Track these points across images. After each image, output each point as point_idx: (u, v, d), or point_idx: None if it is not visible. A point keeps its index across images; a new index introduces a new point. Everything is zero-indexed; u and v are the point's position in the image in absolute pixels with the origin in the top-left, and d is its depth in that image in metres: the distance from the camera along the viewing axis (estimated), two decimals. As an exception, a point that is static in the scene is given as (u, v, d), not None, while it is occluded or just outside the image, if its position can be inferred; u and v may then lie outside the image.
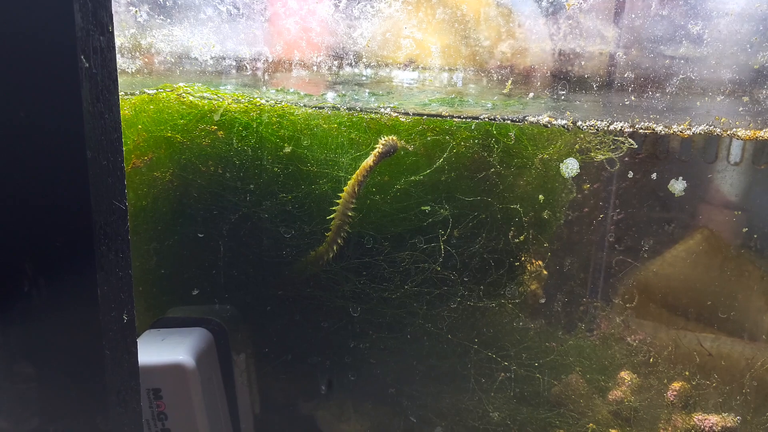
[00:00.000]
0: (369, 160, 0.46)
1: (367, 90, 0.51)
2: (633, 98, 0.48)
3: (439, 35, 0.52)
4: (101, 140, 0.38)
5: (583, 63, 0.51)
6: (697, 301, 0.61)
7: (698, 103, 0.46)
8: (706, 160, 0.58)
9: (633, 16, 0.51)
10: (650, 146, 0.56)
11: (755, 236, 0.59)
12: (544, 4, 0.52)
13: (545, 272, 0.59)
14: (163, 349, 0.50)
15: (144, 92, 0.50)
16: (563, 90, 0.50)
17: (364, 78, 0.50)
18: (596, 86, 0.49)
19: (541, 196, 0.49)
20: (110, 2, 0.38)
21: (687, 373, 0.53)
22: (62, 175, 0.38)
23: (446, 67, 0.51)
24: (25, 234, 0.39)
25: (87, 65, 0.36)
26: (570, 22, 0.52)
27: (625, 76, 0.49)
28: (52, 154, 0.37)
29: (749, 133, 0.44)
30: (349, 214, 0.48)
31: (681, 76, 0.46)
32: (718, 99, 0.47)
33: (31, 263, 0.40)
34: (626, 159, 0.54)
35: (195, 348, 0.51)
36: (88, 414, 0.41)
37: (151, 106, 0.50)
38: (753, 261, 0.60)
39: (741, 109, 0.47)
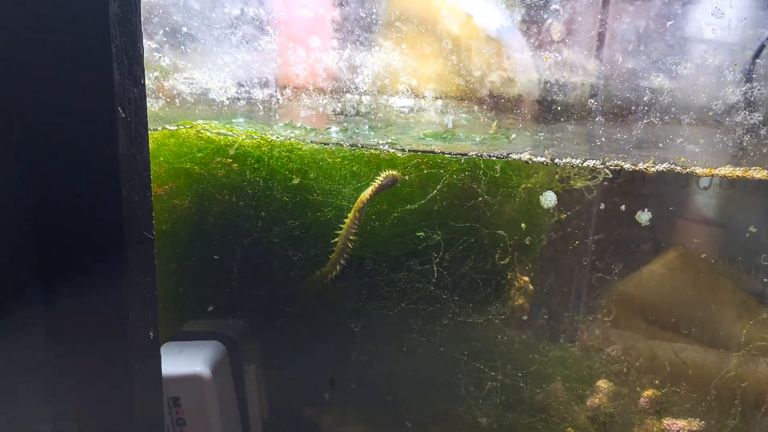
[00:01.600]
0: (369, 191, 0.51)
1: (367, 124, 0.56)
2: (609, 129, 0.54)
3: (434, 65, 0.58)
4: (134, 179, 0.43)
5: (566, 93, 0.57)
6: (672, 313, 0.65)
7: (672, 133, 0.52)
8: (679, 185, 0.63)
9: (613, 49, 0.56)
10: (628, 174, 0.61)
11: (726, 252, 0.64)
12: (532, 40, 0.57)
13: (531, 287, 0.64)
14: (181, 361, 0.55)
15: (165, 128, 0.55)
16: (547, 121, 0.55)
17: (363, 110, 0.55)
18: (578, 115, 0.55)
19: (523, 225, 0.54)
20: (143, 59, 0.43)
21: (657, 381, 0.58)
22: (102, 211, 0.42)
23: (441, 95, 0.57)
24: (70, 262, 0.43)
25: (123, 115, 0.41)
26: (555, 55, 0.57)
27: (605, 106, 0.54)
28: (94, 193, 0.42)
29: (706, 171, 0.49)
30: (351, 238, 0.53)
31: (657, 107, 0.51)
32: (692, 129, 0.52)
33: (66, 287, 0.44)
34: (605, 184, 0.59)
35: (210, 359, 0.56)
36: (119, 420, 0.46)
37: (172, 140, 0.55)
38: (724, 275, 0.65)
39: (716, 137, 0.52)
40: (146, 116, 0.44)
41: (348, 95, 0.54)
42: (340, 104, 0.54)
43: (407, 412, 0.59)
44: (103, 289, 0.43)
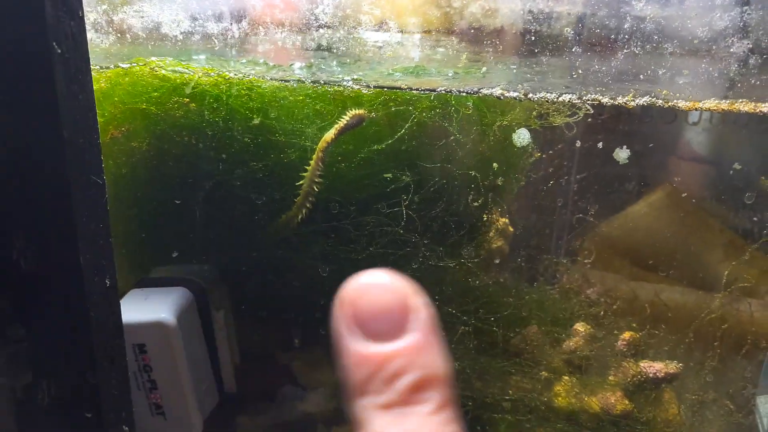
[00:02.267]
0: (333, 131, 0.49)
1: (334, 60, 0.53)
2: (588, 61, 0.51)
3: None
4: (76, 120, 0.41)
5: (551, 23, 0.53)
6: (657, 254, 0.64)
7: (654, 64, 0.49)
8: (665, 120, 0.60)
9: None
10: (611, 109, 0.58)
11: (714, 191, 0.62)
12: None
13: (511, 229, 0.62)
14: (146, 308, 0.54)
15: (118, 66, 0.52)
16: (526, 54, 0.52)
17: (325, 44, 0.52)
18: (562, 48, 0.51)
19: (495, 164, 0.52)
20: (80, -12, 0.40)
21: (635, 324, 0.57)
22: (42, 156, 0.40)
23: (417, 29, 0.53)
24: (13, 210, 0.42)
25: (59, 51, 0.38)
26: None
27: (591, 38, 0.51)
28: (32, 137, 0.40)
29: (689, 104, 0.46)
30: (317, 181, 0.51)
31: (638, 35, 0.48)
32: (676, 60, 0.49)
33: (19, 236, 0.43)
34: (589, 120, 0.56)
35: (176, 306, 0.54)
36: (77, 370, 0.45)
37: (126, 79, 0.52)
38: (712, 214, 0.63)
39: (701, 68, 0.49)
40: (87, 52, 0.41)
41: (311, 28, 0.51)
42: (300, 38, 0.50)
43: (378, 357, 0.58)
44: (50, 238, 0.41)
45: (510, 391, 0.57)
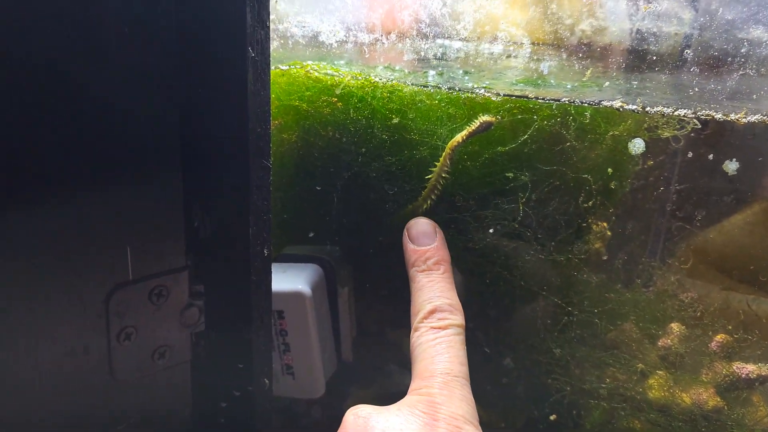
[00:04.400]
0: (463, 133, 0.55)
1: (461, 69, 0.60)
2: (702, 80, 0.55)
3: (522, 10, 0.60)
4: (258, 113, 0.48)
5: (658, 43, 0.58)
6: (750, 266, 0.67)
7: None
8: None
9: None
10: (716, 125, 0.62)
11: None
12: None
13: (609, 233, 0.66)
14: (285, 279, 0.62)
15: (278, 67, 0.60)
16: (637, 70, 0.57)
17: (459, 56, 0.58)
18: (671, 65, 0.56)
19: (609, 169, 0.57)
20: (269, 3, 0.48)
21: (730, 327, 0.61)
22: (229, 140, 0.48)
23: (533, 43, 0.59)
24: (195, 184, 0.49)
25: (253, 54, 0.46)
26: (655, 5, 0.58)
27: (698, 57, 0.56)
28: (223, 124, 0.48)
29: (797, 124, 0.50)
30: (443, 176, 0.57)
31: (753, 58, 0.52)
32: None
33: (200, 205, 0.51)
34: (692, 135, 0.60)
35: (310, 280, 0.62)
36: (238, 324, 0.53)
37: (283, 79, 0.60)
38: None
39: None
40: (269, 56, 0.49)
41: (447, 40, 0.57)
42: (438, 49, 0.57)
43: (485, 339, 0.64)
44: (231, 209, 0.49)
45: (607, 380, 0.61)
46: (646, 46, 0.58)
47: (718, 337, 0.62)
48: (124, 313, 0.46)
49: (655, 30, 0.59)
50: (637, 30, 0.59)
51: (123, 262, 0.45)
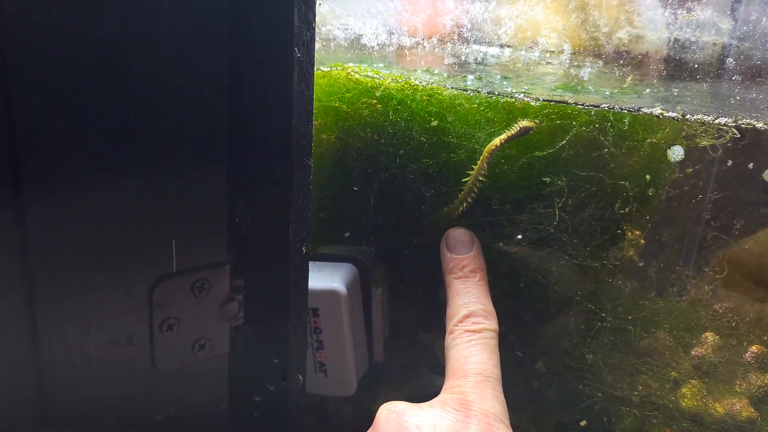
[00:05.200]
0: (502, 137, 0.55)
1: (499, 73, 0.60)
2: (743, 89, 0.55)
3: (562, 16, 0.60)
4: (301, 112, 0.49)
5: (696, 52, 0.58)
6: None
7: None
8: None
9: (750, 9, 0.57)
10: (754, 135, 0.62)
11: None
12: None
13: (643, 241, 0.66)
14: (321, 278, 0.62)
15: (319, 69, 0.61)
16: (678, 79, 0.57)
17: (498, 62, 0.59)
18: (711, 75, 0.56)
19: (648, 176, 0.57)
20: (315, 5, 0.49)
21: (765, 337, 0.60)
22: (273, 139, 0.49)
23: (571, 50, 0.59)
24: (238, 180, 0.51)
25: (299, 55, 0.47)
26: (696, 14, 0.58)
27: (739, 66, 0.56)
28: (268, 123, 0.49)
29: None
30: (480, 179, 0.58)
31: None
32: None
33: (242, 201, 0.52)
34: (729, 145, 0.60)
35: (345, 279, 0.63)
36: (275, 319, 0.54)
37: (324, 80, 0.62)
38: None
39: None
40: (314, 57, 0.50)
41: (485, 46, 0.58)
42: (478, 54, 0.58)
43: (518, 343, 0.65)
44: (273, 206, 0.50)
45: (639, 387, 0.61)
46: (684, 55, 0.58)
47: (753, 347, 0.61)
48: (167, 304, 0.47)
49: (693, 39, 0.59)
50: (675, 39, 0.59)
51: (168, 255, 0.46)
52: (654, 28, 0.60)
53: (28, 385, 0.42)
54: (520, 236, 0.60)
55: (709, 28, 0.59)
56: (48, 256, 0.40)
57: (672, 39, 0.59)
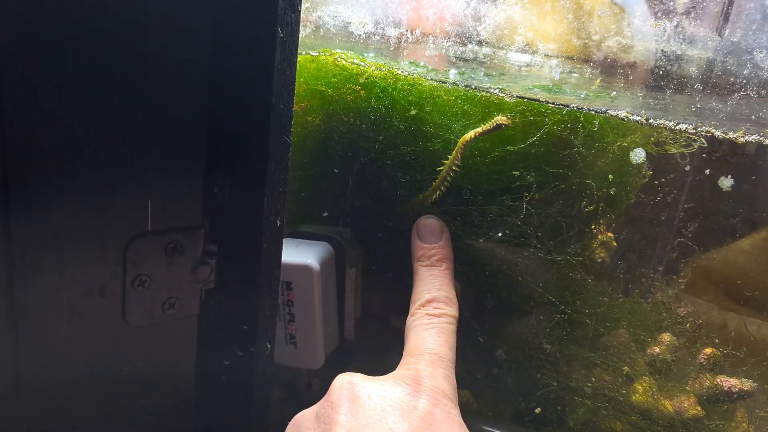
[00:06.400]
0: (477, 131, 0.58)
1: (483, 70, 0.63)
2: (718, 103, 0.57)
3: (554, 24, 0.63)
4: (282, 90, 0.52)
5: (681, 65, 0.60)
6: (750, 289, 0.68)
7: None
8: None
9: (736, 26, 0.59)
10: (727, 147, 0.64)
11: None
12: (655, 9, 0.61)
13: (615, 243, 0.69)
14: (297, 253, 0.65)
15: (308, 53, 0.64)
16: (652, 88, 0.59)
17: (482, 58, 0.61)
18: (686, 85, 0.58)
19: (610, 176, 0.59)
20: (302, -12, 0.51)
21: (716, 340, 0.62)
22: (252, 114, 0.52)
23: (558, 55, 0.62)
24: (218, 152, 0.53)
25: (282, 35, 0.50)
26: (676, 27, 0.60)
27: (713, 80, 0.58)
28: (248, 96, 0.51)
29: (795, 147, 0.52)
30: (454, 168, 0.60)
31: (755, 81, 0.54)
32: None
33: (221, 172, 0.54)
34: (703, 156, 0.62)
35: (320, 256, 0.65)
36: (246, 287, 0.56)
37: (312, 65, 0.64)
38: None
39: None
40: (298, 39, 0.52)
41: (469, 43, 0.61)
42: (461, 49, 0.60)
43: (480, 329, 0.67)
44: (249, 178, 0.53)
45: (593, 379, 0.64)
46: (668, 66, 0.60)
47: (707, 350, 0.64)
48: (141, 261, 0.49)
49: (678, 52, 0.61)
50: (662, 50, 0.61)
51: (143, 215, 0.49)
52: (643, 39, 0.62)
53: (1, 327, 0.45)
54: (488, 227, 0.62)
55: (696, 42, 0.61)
56: (28, 209, 0.43)
57: (659, 50, 0.61)
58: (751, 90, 0.53)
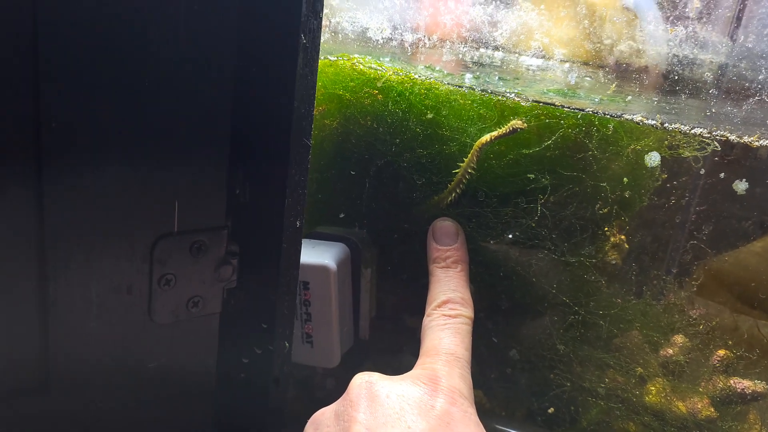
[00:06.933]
0: (492, 134, 0.59)
1: (498, 74, 0.64)
2: (733, 107, 0.58)
3: (567, 29, 0.64)
4: (303, 94, 0.53)
5: (693, 69, 0.61)
6: (763, 291, 0.68)
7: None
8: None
9: (748, 30, 0.60)
10: (740, 151, 0.65)
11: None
12: (667, 14, 0.62)
13: (627, 246, 0.69)
14: (314, 254, 0.66)
15: (327, 58, 0.65)
16: (666, 92, 0.60)
17: (497, 63, 0.63)
18: (700, 90, 0.59)
19: (625, 179, 0.60)
20: (324, -6, 0.53)
21: (730, 342, 0.63)
22: (274, 117, 0.53)
23: (570, 59, 0.63)
24: (240, 154, 0.54)
25: (304, 41, 0.51)
26: (688, 31, 0.61)
27: (728, 85, 0.59)
28: (271, 102, 0.53)
29: (808, 151, 0.53)
30: (470, 171, 0.61)
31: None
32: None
33: (243, 173, 0.56)
34: (716, 159, 0.63)
35: (337, 257, 0.67)
36: (266, 286, 0.57)
37: (331, 69, 0.65)
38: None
39: None
40: (320, 44, 0.54)
41: (485, 48, 0.62)
42: (477, 54, 0.61)
43: (494, 330, 0.68)
44: (270, 180, 0.54)
45: (606, 380, 0.64)
46: (680, 71, 0.61)
47: (720, 351, 0.64)
48: (166, 260, 0.51)
49: (691, 56, 0.61)
50: (674, 55, 0.62)
51: (170, 216, 0.51)
52: (654, 43, 0.63)
53: (32, 321, 0.46)
54: (503, 229, 0.63)
55: (708, 47, 0.62)
56: (61, 207, 0.44)
57: (671, 55, 0.62)
58: (765, 95, 0.54)
